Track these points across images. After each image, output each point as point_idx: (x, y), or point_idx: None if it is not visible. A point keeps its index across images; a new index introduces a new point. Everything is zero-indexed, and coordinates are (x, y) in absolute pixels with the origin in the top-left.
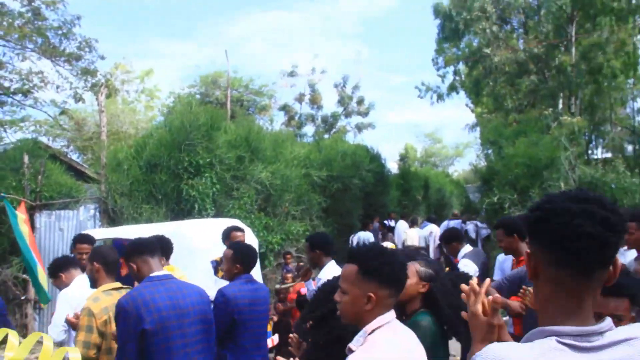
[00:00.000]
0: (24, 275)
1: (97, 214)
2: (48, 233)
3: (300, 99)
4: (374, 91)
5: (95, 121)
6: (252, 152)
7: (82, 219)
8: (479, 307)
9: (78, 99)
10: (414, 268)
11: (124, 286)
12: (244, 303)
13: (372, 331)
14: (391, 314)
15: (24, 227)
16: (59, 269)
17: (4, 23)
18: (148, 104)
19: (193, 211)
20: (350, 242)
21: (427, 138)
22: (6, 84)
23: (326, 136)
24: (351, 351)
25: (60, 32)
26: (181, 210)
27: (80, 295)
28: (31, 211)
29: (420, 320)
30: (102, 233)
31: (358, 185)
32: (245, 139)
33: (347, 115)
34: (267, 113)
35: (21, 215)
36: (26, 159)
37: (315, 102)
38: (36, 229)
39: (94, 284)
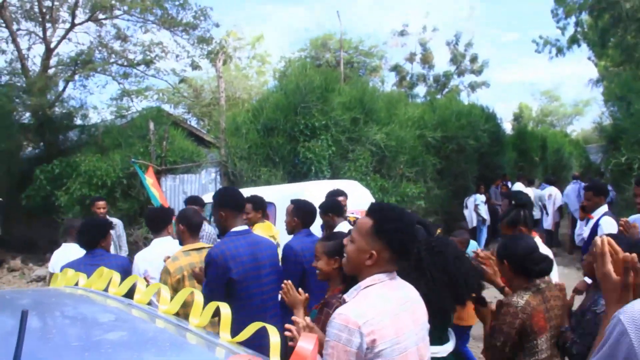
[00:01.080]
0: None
1: (218, 177)
2: (173, 196)
3: (411, 58)
4: (487, 49)
5: (211, 88)
6: (366, 114)
7: (204, 182)
8: (610, 268)
9: (195, 66)
10: None
11: (206, 246)
12: (310, 254)
13: (366, 287)
14: (390, 275)
15: (154, 190)
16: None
17: None
18: (260, 70)
19: (310, 173)
20: (465, 204)
21: (543, 96)
22: (130, 56)
23: (438, 96)
24: (345, 302)
25: (177, 2)
26: (298, 172)
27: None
28: (157, 175)
29: None
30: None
31: (473, 145)
32: (360, 101)
33: (460, 74)
34: (378, 74)
35: (149, 179)
36: (151, 126)
37: (426, 61)
38: (162, 192)
39: (181, 243)
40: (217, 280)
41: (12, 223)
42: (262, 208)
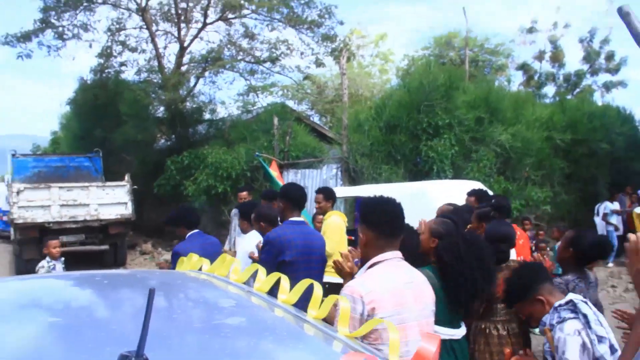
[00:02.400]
0: None
1: (339, 173)
2: None
3: (540, 56)
4: (625, 46)
5: (334, 85)
6: (491, 113)
7: (325, 178)
8: None
9: (319, 64)
10: (428, 225)
11: None
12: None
13: (371, 265)
14: (391, 254)
15: (279, 181)
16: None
17: None
18: (382, 68)
19: (431, 172)
20: (596, 211)
21: None
22: (257, 53)
23: (568, 97)
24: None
25: (302, 1)
26: (419, 171)
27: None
28: (279, 169)
29: (422, 272)
30: (344, 191)
31: (606, 149)
32: (485, 100)
33: (594, 73)
34: (504, 73)
35: (273, 172)
36: (276, 121)
37: (556, 59)
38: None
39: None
40: (271, 260)
41: (144, 209)
42: (332, 198)
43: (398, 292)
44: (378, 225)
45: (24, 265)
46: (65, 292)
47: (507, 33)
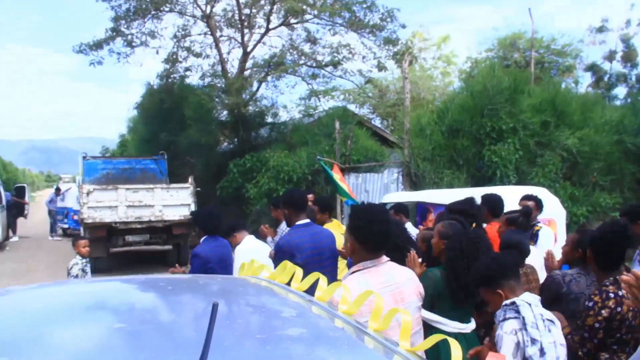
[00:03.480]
0: None
1: (400, 177)
2: (355, 193)
3: (610, 56)
4: None
5: (396, 88)
6: (557, 117)
7: (386, 182)
8: None
9: (381, 67)
10: (437, 228)
11: None
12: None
13: (353, 272)
14: (373, 262)
15: (343, 185)
16: (232, 230)
17: (318, 3)
18: (445, 70)
19: (495, 177)
20: None
21: None
22: (319, 57)
23: None
24: None
25: (364, 5)
26: (482, 176)
27: (249, 248)
28: (341, 172)
29: (428, 272)
30: (408, 196)
31: None
32: (551, 103)
33: None
34: (572, 74)
35: (336, 174)
36: (337, 125)
37: (629, 59)
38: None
39: None
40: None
41: None
42: (328, 209)
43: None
44: (364, 241)
45: (92, 263)
46: (130, 297)
47: (575, 33)
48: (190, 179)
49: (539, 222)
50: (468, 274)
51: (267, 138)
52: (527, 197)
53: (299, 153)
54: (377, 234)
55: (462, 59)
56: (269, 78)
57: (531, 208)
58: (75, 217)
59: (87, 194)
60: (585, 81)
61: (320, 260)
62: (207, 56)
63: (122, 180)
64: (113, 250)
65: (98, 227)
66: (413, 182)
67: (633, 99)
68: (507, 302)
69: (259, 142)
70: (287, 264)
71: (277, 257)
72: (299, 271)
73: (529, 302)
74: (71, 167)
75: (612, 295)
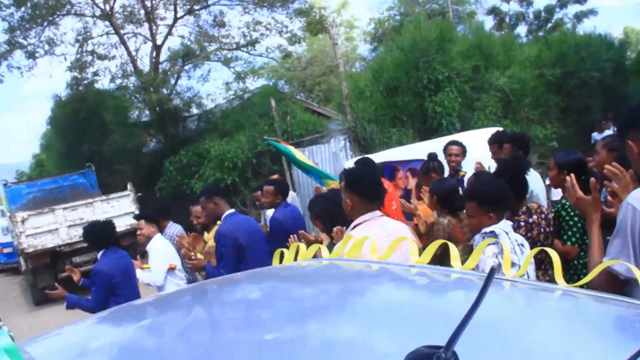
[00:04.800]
0: None
1: (347, 144)
2: None
3: None
4: None
5: (321, 58)
6: (485, 60)
7: (334, 151)
8: (580, 193)
9: (294, 41)
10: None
11: None
12: (292, 221)
13: (354, 226)
14: (370, 215)
15: (302, 159)
16: (150, 218)
17: None
18: (348, 35)
19: (441, 128)
20: (592, 139)
21: None
22: (234, 40)
23: (541, 33)
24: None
25: None
26: (428, 129)
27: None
28: None
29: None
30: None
31: (597, 78)
32: (478, 47)
33: (562, 5)
34: (474, 20)
35: (291, 148)
36: (273, 103)
37: None
38: (292, 166)
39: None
40: (231, 249)
41: None
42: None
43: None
44: (362, 191)
45: (40, 294)
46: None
47: None
48: (129, 185)
49: (462, 168)
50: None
51: (197, 130)
52: (450, 142)
53: (238, 138)
54: (372, 183)
55: (364, 22)
56: (187, 68)
57: (435, 152)
58: (5, 251)
59: (22, 222)
60: (488, 24)
61: (255, 242)
62: (113, 57)
63: (51, 202)
64: (61, 275)
65: (41, 255)
66: (362, 146)
67: (532, 35)
68: (487, 230)
69: (189, 135)
70: (349, 238)
71: (223, 242)
72: (368, 241)
73: (506, 231)
74: None
75: (522, 223)
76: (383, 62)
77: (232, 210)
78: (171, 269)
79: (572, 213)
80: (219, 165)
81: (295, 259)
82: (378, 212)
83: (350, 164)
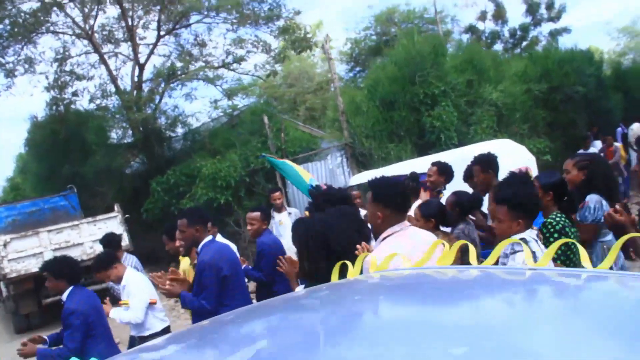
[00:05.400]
0: None
1: (344, 160)
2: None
3: (482, 17)
4: None
5: (291, 77)
6: (478, 74)
7: (331, 168)
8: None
9: (282, 58)
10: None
11: None
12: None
13: (384, 238)
14: (399, 226)
15: (300, 171)
16: (109, 263)
17: (206, 3)
18: (324, 56)
19: (440, 142)
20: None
21: (621, 34)
22: (221, 57)
23: (517, 51)
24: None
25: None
26: (425, 144)
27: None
28: None
29: None
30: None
31: (581, 93)
32: (470, 62)
33: (536, 24)
34: (450, 39)
35: (294, 165)
36: (266, 119)
37: (499, 17)
38: (287, 184)
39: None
40: (216, 278)
41: (133, 237)
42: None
43: (410, 257)
44: (392, 203)
45: (23, 321)
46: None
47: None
48: (116, 207)
49: (444, 189)
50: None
51: (184, 149)
52: (433, 164)
53: (229, 156)
54: (401, 194)
55: (341, 42)
56: (172, 86)
57: (417, 173)
58: None
59: (5, 245)
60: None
61: (235, 269)
62: (92, 77)
63: (31, 225)
64: (46, 301)
65: (24, 280)
66: (360, 162)
67: (508, 52)
68: (518, 237)
69: (176, 154)
70: (447, 246)
71: (207, 273)
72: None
73: (535, 239)
74: None
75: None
76: (378, 77)
77: (210, 237)
78: (152, 304)
79: (552, 230)
80: (211, 184)
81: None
82: (407, 223)
83: (356, 180)
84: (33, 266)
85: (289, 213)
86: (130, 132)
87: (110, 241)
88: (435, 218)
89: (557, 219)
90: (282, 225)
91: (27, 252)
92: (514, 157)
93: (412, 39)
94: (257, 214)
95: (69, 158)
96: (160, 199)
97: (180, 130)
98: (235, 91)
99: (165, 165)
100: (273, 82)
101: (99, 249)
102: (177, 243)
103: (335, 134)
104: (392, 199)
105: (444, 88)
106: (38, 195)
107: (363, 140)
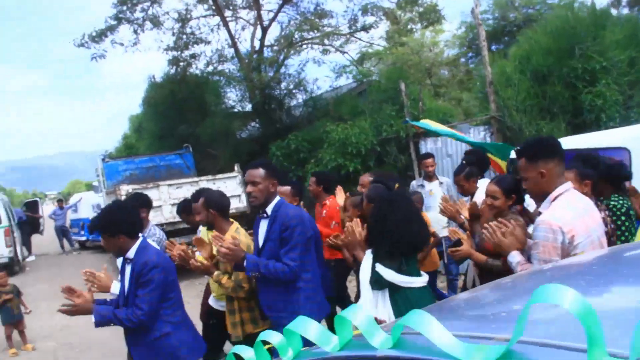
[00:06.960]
0: None
1: (487, 135)
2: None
3: None
4: None
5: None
6: None
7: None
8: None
9: (404, 31)
10: (365, 192)
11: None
12: None
13: (554, 198)
14: (567, 185)
15: (446, 129)
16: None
17: None
18: (433, 40)
19: (599, 122)
20: None
21: None
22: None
23: None
24: (540, 214)
25: None
26: (582, 122)
27: None
28: (415, 139)
29: None
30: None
31: None
32: (634, 37)
33: None
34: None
35: (436, 125)
36: (403, 87)
37: None
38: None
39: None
40: (306, 237)
41: None
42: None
43: (582, 218)
44: (556, 155)
45: None
46: None
47: None
48: (236, 167)
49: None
50: (394, 236)
51: (303, 115)
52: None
53: (359, 123)
54: (561, 149)
55: (454, 25)
56: (292, 52)
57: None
58: None
59: (126, 195)
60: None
61: (316, 234)
62: (209, 42)
63: (147, 180)
64: None
65: None
66: (507, 137)
67: None
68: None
69: (295, 121)
70: None
71: (300, 229)
72: None
73: None
74: (54, 183)
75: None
76: (531, 48)
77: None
78: None
79: (618, 213)
80: (340, 150)
81: None
82: (570, 183)
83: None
84: (151, 219)
85: (441, 183)
86: (248, 96)
87: (137, 199)
88: (515, 194)
89: (621, 201)
90: (432, 195)
91: None
92: None
93: (572, 6)
94: (287, 188)
95: (185, 118)
96: (279, 164)
97: (300, 96)
98: (368, 56)
99: (284, 130)
100: (403, 51)
101: None
102: (197, 217)
103: (478, 108)
104: (556, 153)
105: (605, 64)
106: (159, 151)
107: (514, 114)
